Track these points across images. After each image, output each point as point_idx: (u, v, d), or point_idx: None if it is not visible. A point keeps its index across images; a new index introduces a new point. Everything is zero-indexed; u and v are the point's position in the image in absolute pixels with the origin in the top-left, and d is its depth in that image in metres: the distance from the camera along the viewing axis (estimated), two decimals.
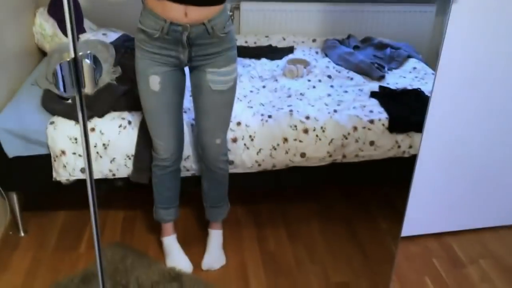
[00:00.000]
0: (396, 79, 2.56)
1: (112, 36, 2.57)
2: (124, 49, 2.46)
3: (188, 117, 2.07)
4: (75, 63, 0.78)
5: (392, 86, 2.46)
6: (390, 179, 2.35)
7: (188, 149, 2.04)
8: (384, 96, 2.33)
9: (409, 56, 2.78)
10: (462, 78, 1.94)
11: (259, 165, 2.13)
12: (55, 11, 2.42)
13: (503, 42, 1.91)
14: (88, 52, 0.80)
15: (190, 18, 1.59)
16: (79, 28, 2.54)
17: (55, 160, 2.01)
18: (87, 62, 0.79)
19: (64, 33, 2.41)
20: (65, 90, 0.81)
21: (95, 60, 0.81)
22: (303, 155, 2.13)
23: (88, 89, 0.80)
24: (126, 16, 2.80)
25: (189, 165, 2.08)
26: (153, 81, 1.71)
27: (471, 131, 2.08)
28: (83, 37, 2.47)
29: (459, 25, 1.74)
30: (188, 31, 1.61)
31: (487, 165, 2.18)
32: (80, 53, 0.79)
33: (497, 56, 1.93)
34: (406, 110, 2.22)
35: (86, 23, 2.64)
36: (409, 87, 2.45)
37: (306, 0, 3.04)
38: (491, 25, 1.87)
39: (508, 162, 2.20)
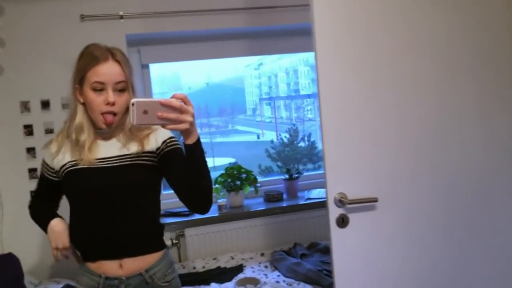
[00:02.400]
0: None
1: None
2: None
3: None
4: None
5: None
6: None
7: None
8: None
9: None
10: None
11: None
12: None
13: None
14: None
15: (126, 270, 1.51)
16: (18, 286, 2.46)
17: None
18: None
19: None
20: None
21: None
22: None
23: None
24: (69, 265, 2.78)
25: None
26: None
27: None
28: None
29: None
30: (125, 283, 1.51)
31: None
32: None
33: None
34: None
35: (27, 278, 2.57)
36: None
37: (249, 216, 3.14)
38: None
39: None
